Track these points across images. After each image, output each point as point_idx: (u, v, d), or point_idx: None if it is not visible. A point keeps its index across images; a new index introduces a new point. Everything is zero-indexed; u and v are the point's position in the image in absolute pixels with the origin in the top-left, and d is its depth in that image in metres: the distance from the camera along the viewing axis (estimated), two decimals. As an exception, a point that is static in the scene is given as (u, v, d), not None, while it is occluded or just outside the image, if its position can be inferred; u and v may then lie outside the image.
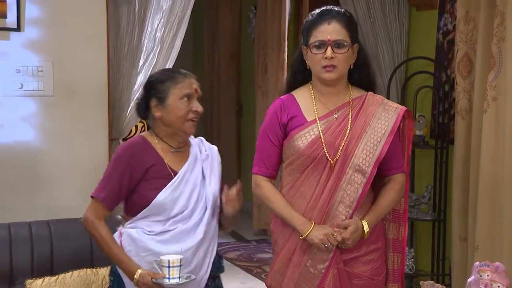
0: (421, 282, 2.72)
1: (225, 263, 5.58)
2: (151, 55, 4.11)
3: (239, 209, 2.66)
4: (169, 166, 2.63)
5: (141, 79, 4.06)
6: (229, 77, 7.72)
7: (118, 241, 2.61)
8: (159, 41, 4.11)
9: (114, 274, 2.69)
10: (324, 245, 2.56)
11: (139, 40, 4.08)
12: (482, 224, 3.48)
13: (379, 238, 2.72)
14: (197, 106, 2.63)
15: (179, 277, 2.49)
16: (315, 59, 2.61)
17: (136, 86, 4.05)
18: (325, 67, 2.59)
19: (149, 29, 4.09)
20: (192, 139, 2.76)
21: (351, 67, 2.65)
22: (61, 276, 3.13)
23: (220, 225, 2.80)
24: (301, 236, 2.60)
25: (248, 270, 5.47)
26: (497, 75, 3.37)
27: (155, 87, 2.64)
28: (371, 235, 2.66)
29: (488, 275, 2.46)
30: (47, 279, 3.12)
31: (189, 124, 2.63)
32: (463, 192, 3.76)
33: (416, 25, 4.59)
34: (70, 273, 3.14)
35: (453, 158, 3.89)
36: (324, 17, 2.60)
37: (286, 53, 6.17)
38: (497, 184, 3.40)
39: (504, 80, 3.35)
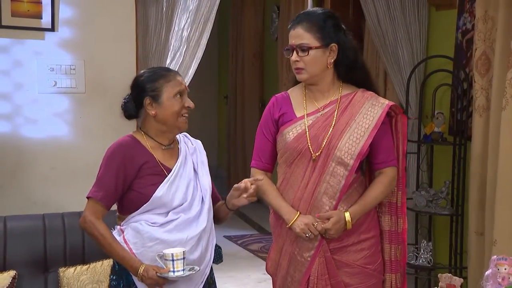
0: (439, 275, 2.76)
1: (248, 254, 5.76)
2: (178, 54, 4.19)
3: (251, 201, 2.67)
4: (160, 163, 2.67)
5: (168, 77, 4.17)
6: (252, 75, 7.82)
7: (120, 237, 2.62)
8: (186, 40, 4.19)
9: (116, 272, 2.68)
10: (305, 234, 2.68)
11: (166, 39, 4.17)
12: (500, 219, 3.51)
13: (370, 229, 2.81)
14: (189, 102, 2.68)
15: (183, 269, 2.52)
16: (290, 62, 2.76)
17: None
18: (295, 69, 2.74)
19: (176, 28, 4.17)
20: (177, 136, 2.80)
21: (328, 66, 2.73)
22: (92, 265, 3.24)
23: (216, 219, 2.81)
24: (287, 225, 2.73)
25: (270, 262, 5.57)
26: (516, 73, 3.41)
27: (147, 86, 2.66)
28: (362, 225, 2.77)
29: (505, 269, 2.51)
30: (79, 267, 3.23)
31: (182, 120, 2.67)
32: (480, 187, 3.79)
33: (435, 24, 4.63)
34: (101, 262, 3.24)
35: (471, 154, 3.93)
36: (292, 22, 2.76)
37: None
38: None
39: (523, 78, 3.38)
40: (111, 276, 2.71)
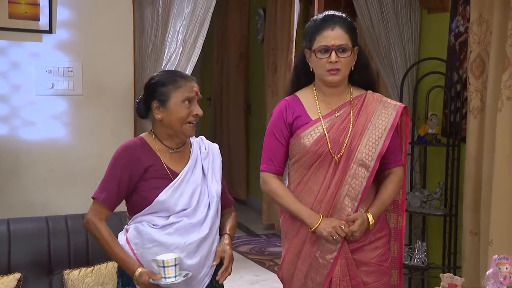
0: (440, 275, 2.80)
1: (238, 256, 5.77)
2: (174, 56, 4.20)
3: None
4: (167, 167, 2.67)
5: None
6: (237, 77, 7.84)
7: (124, 237, 2.65)
8: (181, 42, 4.19)
9: (119, 271, 2.72)
10: (332, 237, 2.70)
11: (163, 42, 4.17)
12: (496, 219, 3.56)
13: (383, 227, 2.87)
14: (197, 110, 2.66)
15: (175, 276, 2.51)
16: (319, 63, 2.75)
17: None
18: (329, 70, 2.73)
19: (172, 31, 4.18)
20: (192, 138, 2.79)
21: (352, 68, 2.79)
22: (96, 267, 3.24)
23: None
24: (310, 228, 2.73)
25: (261, 263, 5.61)
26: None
27: (156, 90, 2.65)
28: (376, 225, 2.81)
29: (507, 268, 2.57)
30: (83, 269, 3.23)
31: (188, 127, 2.66)
32: (475, 188, 3.84)
33: (427, 27, 4.68)
34: (105, 264, 3.24)
35: (464, 155, 3.97)
36: (327, 22, 2.74)
37: (293, 54, 6.28)
38: (512, 180, 3.50)
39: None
40: (118, 273, 2.74)
